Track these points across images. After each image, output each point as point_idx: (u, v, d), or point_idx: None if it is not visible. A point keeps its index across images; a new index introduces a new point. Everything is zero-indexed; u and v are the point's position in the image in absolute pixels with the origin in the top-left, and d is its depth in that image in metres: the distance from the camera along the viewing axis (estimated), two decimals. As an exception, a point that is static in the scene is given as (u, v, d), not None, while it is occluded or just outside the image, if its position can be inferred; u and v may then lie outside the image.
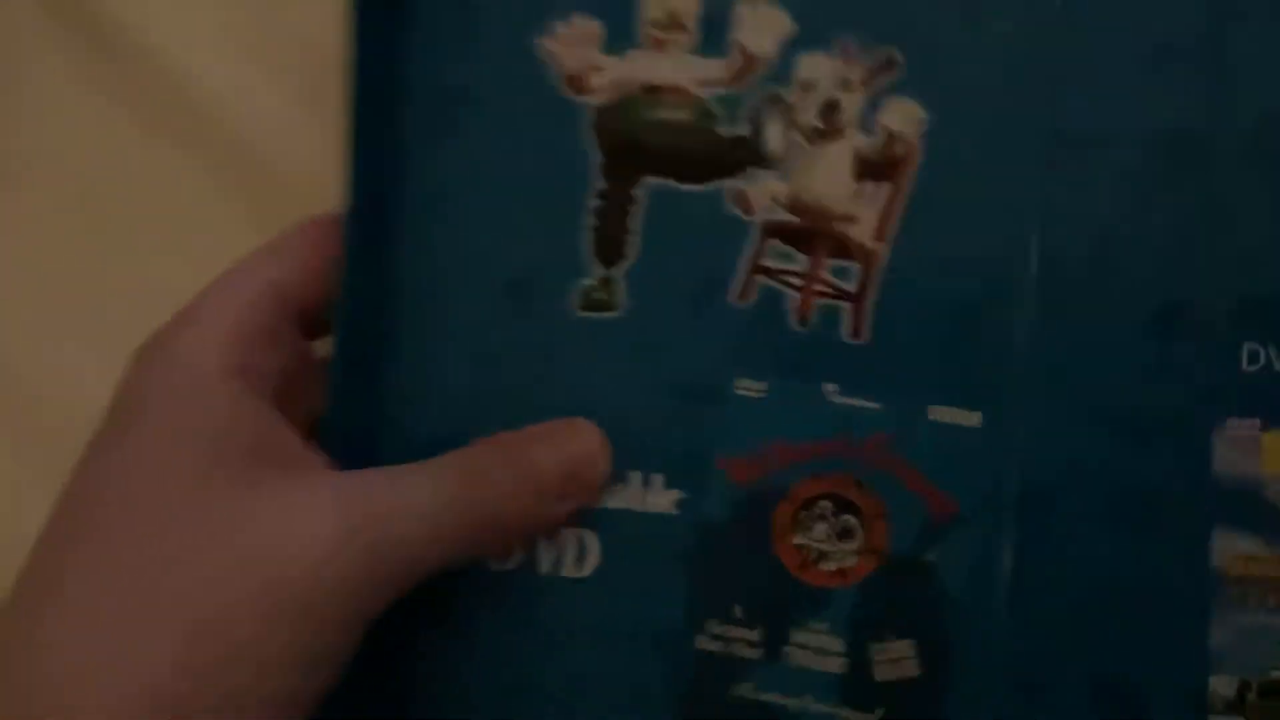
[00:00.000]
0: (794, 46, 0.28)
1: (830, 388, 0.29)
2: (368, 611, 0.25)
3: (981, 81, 0.28)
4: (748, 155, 0.29)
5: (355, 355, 0.29)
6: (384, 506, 0.25)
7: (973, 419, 0.28)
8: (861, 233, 0.28)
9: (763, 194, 0.29)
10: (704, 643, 0.29)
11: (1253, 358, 0.27)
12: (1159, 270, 0.27)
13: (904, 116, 0.28)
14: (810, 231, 0.29)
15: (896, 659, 0.29)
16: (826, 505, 0.29)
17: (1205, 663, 0.27)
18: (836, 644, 0.29)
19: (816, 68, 0.28)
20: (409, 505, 0.25)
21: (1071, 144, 0.28)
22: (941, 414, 0.28)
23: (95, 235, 0.35)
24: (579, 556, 0.29)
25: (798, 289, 0.29)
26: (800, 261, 0.29)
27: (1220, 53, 0.28)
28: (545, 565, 0.29)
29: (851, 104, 0.28)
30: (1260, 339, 0.27)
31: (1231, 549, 0.27)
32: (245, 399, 0.26)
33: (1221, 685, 0.27)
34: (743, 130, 0.29)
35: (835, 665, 0.28)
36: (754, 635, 0.29)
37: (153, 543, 0.23)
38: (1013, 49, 0.28)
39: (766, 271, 0.29)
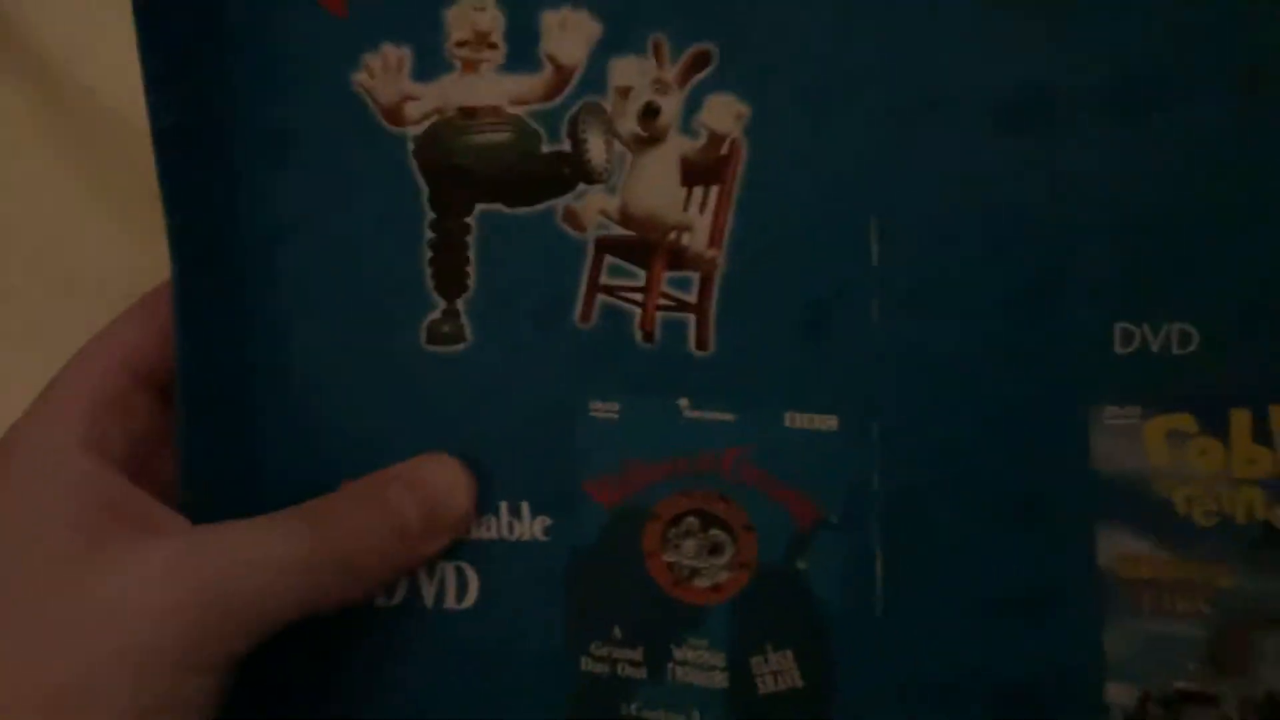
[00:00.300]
0: (604, 50, 0.27)
1: (683, 402, 0.28)
2: (225, 661, 0.26)
3: (802, 65, 0.26)
4: (573, 171, 0.27)
5: (201, 414, 0.29)
6: (233, 560, 0.26)
7: (830, 422, 0.27)
8: (696, 240, 0.27)
9: (592, 210, 0.28)
10: (588, 664, 0.29)
11: (1126, 338, 0.25)
12: (1014, 248, 0.25)
13: (724, 113, 0.26)
14: (645, 244, 0.27)
15: (778, 671, 0.28)
16: (693, 522, 0.28)
17: (1102, 670, 0.26)
18: (717, 659, 0.28)
19: (630, 71, 0.27)
20: (260, 558, 0.26)
21: (904, 119, 0.26)
22: (797, 420, 0.27)
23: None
24: (460, 588, 0.29)
25: (639, 304, 0.28)
26: (639, 276, 0.28)
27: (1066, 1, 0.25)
28: (429, 599, 0.29)
29: (670, 106, 0.27)
30: (1134, 318, 0.25)
31: (1120, 549, 0.25)
32: (98, 470, 0.27)
33: (1120, 694, 0.25)
34: (565, 146, 0.28)
35: (718, 680, 0.28)
36: (636, 655, 0.28)
37: (12, 616, 0.25)
38: (831, 25, 0.26)
39: (606, 289, 0.28)
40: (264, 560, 0.26)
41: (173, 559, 0.25)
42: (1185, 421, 0.24)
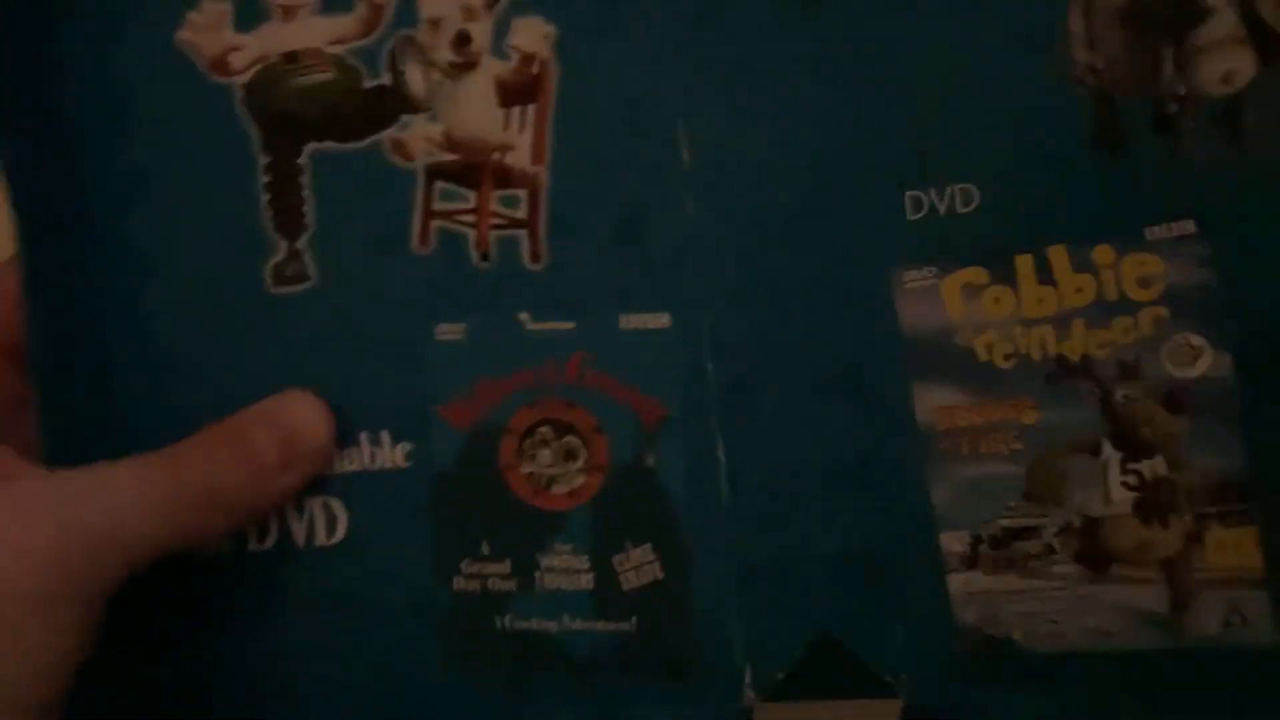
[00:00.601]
0: (413, -19, 0.28)
1: (524, 316, 0.29)
2: (89, 597, 0.26)
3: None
4: (396, 103, 0.28)
5: (57, 377, 0.29)
6: (91, 498, 0.26)
7: (662, 320, 0.28)
8: (519, 158, 0.28)
9: (418, 138, 0.28)
10: (459, 584, 0.29)
11: (916, 205, 0.26)
12: (805, 135, 0.27)
13: (533, 34, 0.27)
14: (471, 167, 0.29)
15: (639, 565, 0.29)
16: (546, 431, 0.29)
17: (933, 522, 0.27)
18: (582, 562, 0.29)
19: (439, 2, 0.28)
20: (117, 496, 0.27)
21: (697, 24, 0.27)
22: (631, 321, 0.28)
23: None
24: (329, 524, 0.30)
25: (473, 225, 0.29)
26: (469, 198, 0.29)
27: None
28: (299, 538, 0.30)
29: (481, 32, 0.28)
30: (920, 184, 0.26)
31: (935, 402, 0.26)
32: None
33: (952, 542, 0.27)
34: (385, 79, 0.28)
35: (584, 582, 0.29)
36: (504, 568, 0.29)
37: None
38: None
39: (440, 215, 0.29)
40: (121, 498, 0.27)
41: (30, 499, 0.26)
42: (977, 274, 0.26)
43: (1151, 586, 0.25)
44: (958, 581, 0.27)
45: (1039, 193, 0.25)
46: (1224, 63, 0.23)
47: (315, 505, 0.30)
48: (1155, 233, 0.24)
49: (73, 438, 0.30)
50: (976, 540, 0.27)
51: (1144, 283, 0.24)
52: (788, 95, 0.27)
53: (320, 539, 0.30)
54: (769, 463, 0.28)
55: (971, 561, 0.27)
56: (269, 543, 0.30)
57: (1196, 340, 0.24)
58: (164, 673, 0.30)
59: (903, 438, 0.27)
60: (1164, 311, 0.24)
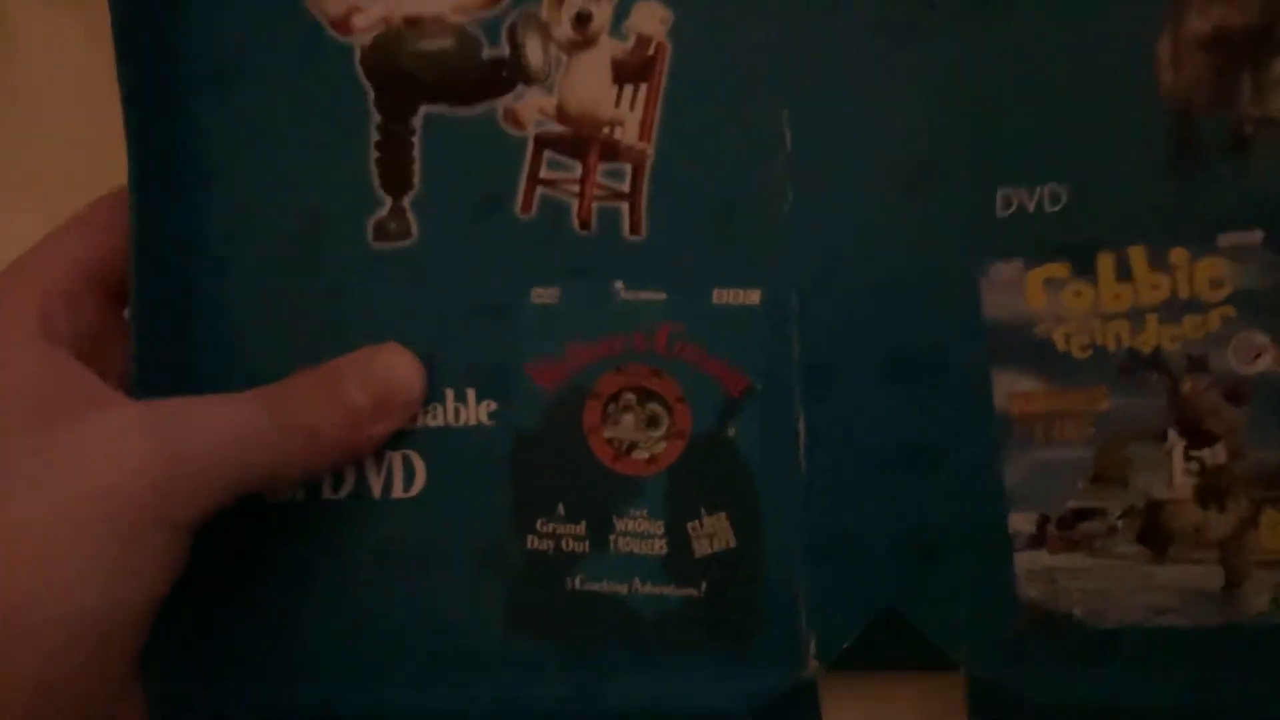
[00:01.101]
0: (542, -39, 0.30)
1: (618, 284, 0.30)
2: (187, 521, 0.26)
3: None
4: (513, 74, 0.30)
5: (155, 315, 0.30)
6: (194, 425, 0.27)
7: (753, 297, 0.30)
8: (628, 134, 0.30)
9: (531, 109, 0.30)
10: (534, 543, 0.30)
11: (1006, 203, 0.29)
12: (904, 133, 0.29)
13: (650, 18, 0.29)
14: (580, 139, 0.30)
15: (712, 533, 0.30)
16: (630, 397, 0.30)
17: (1003, 502, 0.29)
18: (656, 527, 0.30)
19: (564, -20, 0.30)
20: (219, 425, 0.27)
21: (809, 22, 0.29)
22: (724, 296, 0.30)
23: None
24: (407, 477, 0.31)
25: (577, 195, 0.30)
26: (575, 169, 0.30)
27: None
28: (377, 489, 0.31)
29: (602, 13, 0.30)
30: (1012, 183, 0.28)
31: (1012, 389, 0.28)
32: (50, 354, 0.27)
33: (1020, 522, 0.28)
34: (504, 51, 0.30)
35: (658, 547, 0.30)
36: (579, 529, 0.30)
37: None
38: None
39: (545, 182, 0.30)
40: (223, 427, 0.27)
41: (130, 423, 0.26)
42: (1060, 269, 0.28)
43: (1206, 567, 0.27)
44: (1024, 560, 0.28)
45: (1122, 197, 0.27)
46: (1297, 90, 0.26)
47: (395, 458, 0.31)
48: (1227, 239, 0.27)
49: (165, 375, 0.30)
50: (1044, 520, 0.28)
51: (1214, 284, 0.27)
52: (890, 92, 0.29)
53: (397, 491, 0.31)
54: (846, 440, 0.29)
55: (1038, 541, 0.28)
56: (344, 492, 0.31)
57: (1260, 339, 0.27)
58: (232, 615, 0.31)
59: (979, 421, 0.29)
60: (1232, 311, 0.27)
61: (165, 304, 0.30)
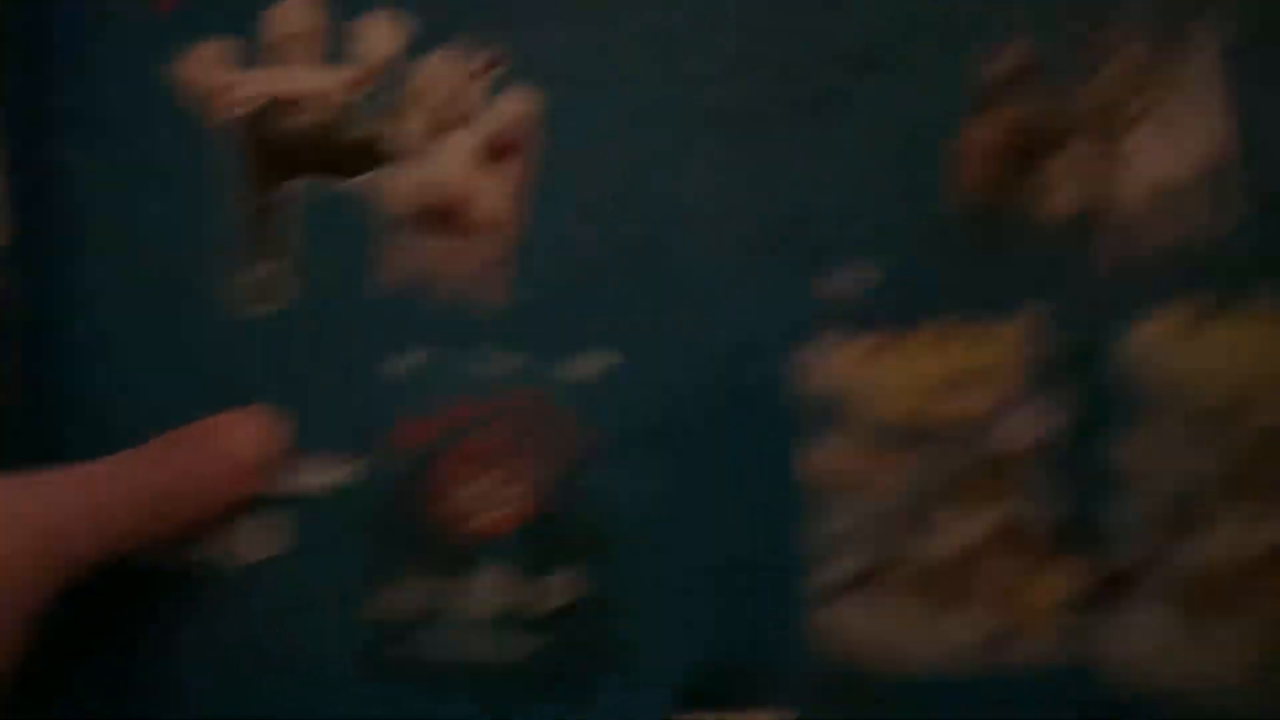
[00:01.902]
0: (414, 44, 0.32)
1: (481, 349, 0.32)
2: (34, 601, 0.26)
3: (588, 65, 0.32)
4: (382, 151, 0.32)
5: (25, 380, 0.30)
6: (37, 499, 0.27)
7: (612, 360, 0.32)
8: (495, 207, 0.32)
9: (400, 184, 0.32)
10: (384, 604, 0.31)
11: (823, 281, 0.31)
12: (739, 209, 0.31)
13: (522, 100, 0.32)
14: (448, 212, 0.32)
15: (562, 589, 0.32)
16: (488, 457, 0.32)
17: (814, 557, 0.31)
18: (507, 586, 0.32)
19: (436, 64, 0.32)
20: (65, 498, 0.27)
21: (666, 104, 0.32)
22: (583, 359, 0.32)
23: None
24: (261, 541, 0.31)
25: (443, 264, 0.32)
26: (442, 240, 0.32)
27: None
28: (230, 553, 0.31)
29: (472, 95, 0.32)
30: (829, 263, 0.31)
31: (828, 452, 0.31)
32: None
33: (829, 574, 0.31)
34: (374, 129, 0.32)
35: (507, 604, 0.31)
36: (430, 589, 0.31)
37: None
38: (612, 41, 0.32)
39: (413, 252, 0.32)
40: (67, 502, 0.27)
41: None
42: (874, 342, 0.31)
43: (997, 618, 0.30)
44: (833, 611, 0.31)
45: (929, 276, 0.31)
46: (1073, 186, 0.30)
47: (250, 521, 0.31)
48: (1014, 316, 0.30)
49: (20, 441, 0.30)
50: (852, 574, 0.31)
51: (1004, 356, 0.30)
52: (727, 174, 0.32)
53: (251, 555, 0.31)
54: (694, 487, 0.32)
55: (845, 593, 0.31)
56: (203, 556, 0.31)
57: (1041, 406, 0.30)
58: (83, 682, 0.30)
59: (793, 480, 0.31)
60: (1018, 380, 0.30)
61: (32, 364, 0.30)
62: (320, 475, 0.32)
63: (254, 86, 0.32)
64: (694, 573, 0.31)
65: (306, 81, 0.32)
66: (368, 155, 0.32)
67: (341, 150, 0.32)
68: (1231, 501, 0.30)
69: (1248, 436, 0.30)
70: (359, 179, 0.32)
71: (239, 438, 0.31)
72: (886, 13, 0.31)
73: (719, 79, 0.32)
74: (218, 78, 0.31)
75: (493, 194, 0.32)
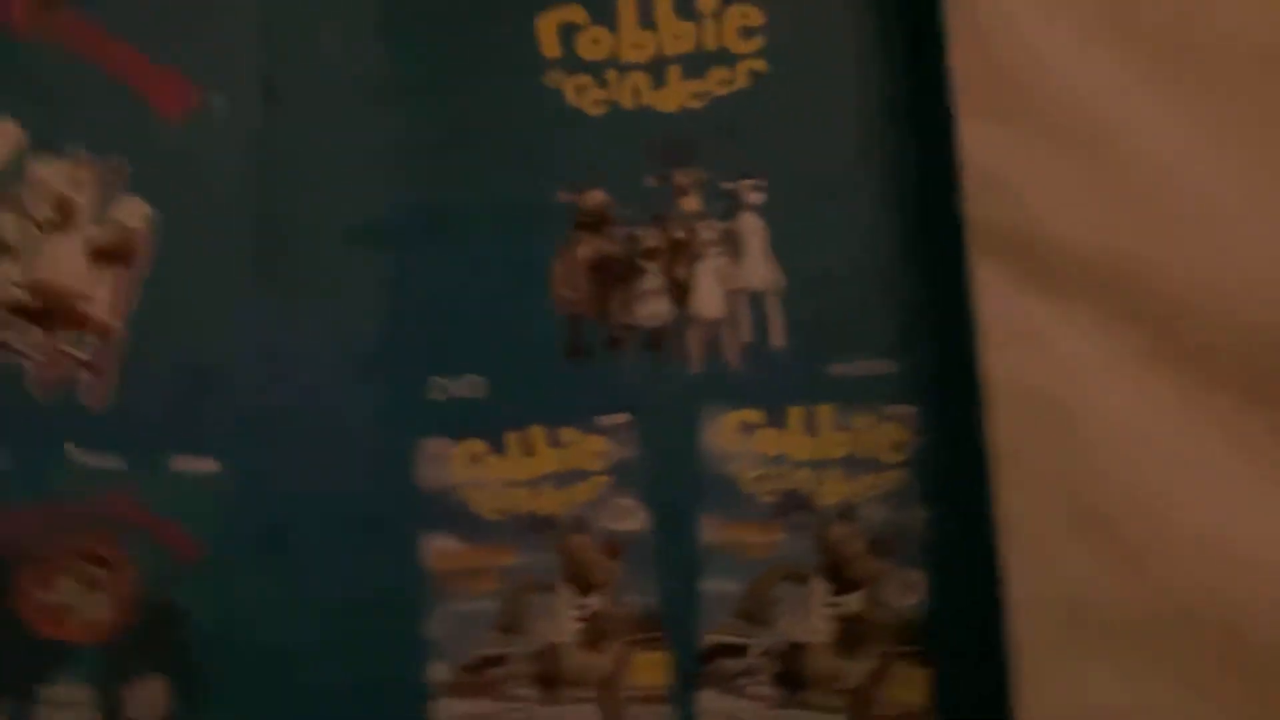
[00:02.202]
0: (30, 150, 0.32)
1: (72, 448, 0.31)
2: None
3: (198, 181, 0.33)
4: (-12, 247, 0.32)
5: None
6: None
7: (211, 466, 0.32)
8: (99, 310, 0.32)
9: (4, 279, 0.32)
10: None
11: (438, 389, 0.33)
12: (352, 323, 0.33)
13: (132, 212, 0.33)
14: (48, 310, 0.32)
15: (148, 699, 0.30)
16: (74, 561, 0.31)
17: (424, 654, 0.31)
18: (87, 694, 0.30)
19: (51, 170, 0.32)
20: None
21: (275, 231, 0.33)
22: (182, 464, 0.32)
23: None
24: None
25: (39, 362, 0.32)
26: (40, 337, 0.32)
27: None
28: None
29: (85, 200, 0.33)
30: (442, 373, 0.33)
31: (438, 549, 0.32)
32: None
33: (439, 671, 0.31)
34: (-17, 224, 0.32)
35: (87, 715, 0.30)
36: (4, 699, 0.29)
37: None
38: (227, 157, 0.33)
39: (8, 348, 0.31)
40: None
41: None
42: (478, 445, 0.32)
43: (586, 706, 0.31)
44: (440, 707, 0.31)
45: (528, 387, 0.33)
46: (652, 305, 0.33)
47: None
48: (604, 421, 0.32)
49: None
50: (460, 668, 0.31)
51: (595, 456, 0.32)
52: (354, 291, 0.33)
53: None
54: (295, 601, 0.31)
55: (454, 688, 0.31)
56: None
57: (628, 502, 0.32)
58: None
59: (410, 579, 0.32)
60: (608, 479, 0.32)
61: None
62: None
63: None
64: (305, 683, 0.31)
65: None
66: (-31, 252, 0.32)
67: (-58, 246, 0.32)
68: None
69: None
70: (-42, 275, 0.32)
71: None
72: (498, 150, 0.34)
73: (321, 194, 0.33)
74: None
75: (99, 297, 0.32)
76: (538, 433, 0.32)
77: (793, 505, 0.32)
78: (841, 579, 0.31)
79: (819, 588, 0.31)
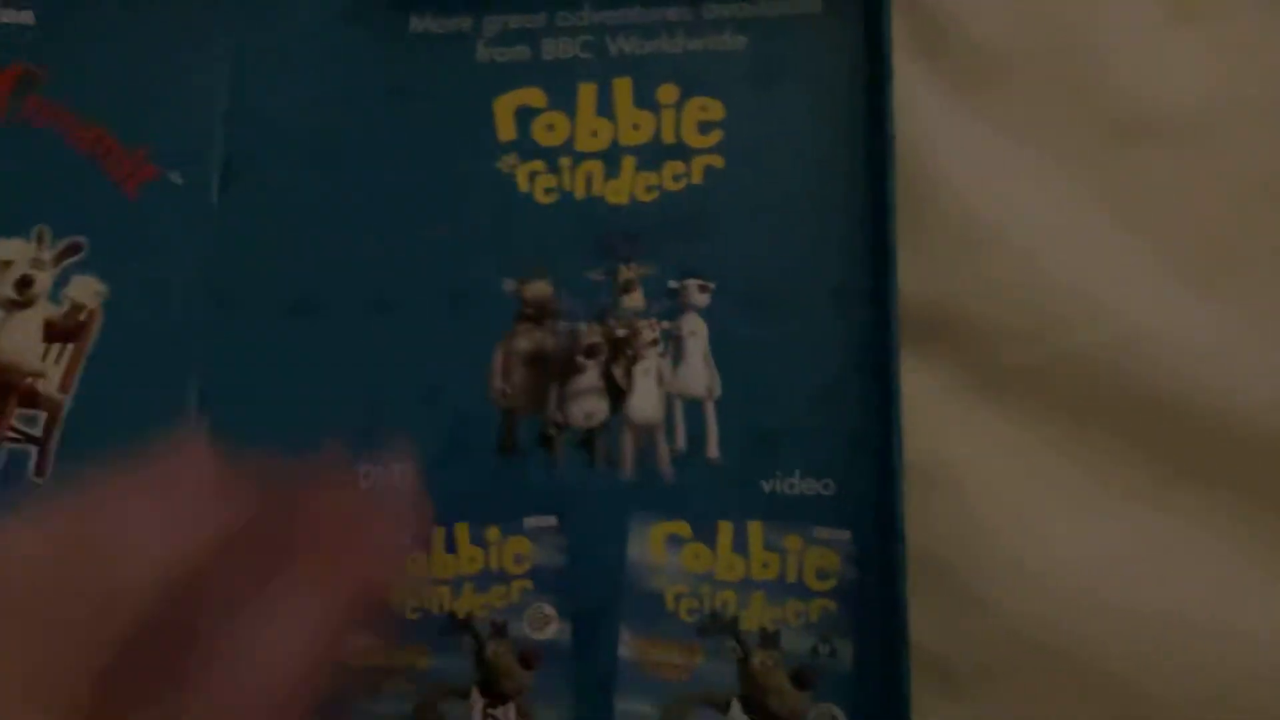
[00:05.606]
0: (-5, 234, 0.34)
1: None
2: None
3: (151, 262, 0.34)
4: (-51, 322, 0.33)
5: None
6: None
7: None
8: (48, 385, 0.33)
9: (-39, 355, 0.33)
10: None
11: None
12: (301, 396, 0.33)
13: (87, 290, 0.33)
14: (5, 388, 0.33)
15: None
16: None
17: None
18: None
19: (13, 250, 0.34)
20: None
21: (219, 308, 0.33)
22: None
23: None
24: None
25: (-9, 438, 0.33)
26: (-7, 412, 0.33)
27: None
28: None
29: (43, 280, 0.33)
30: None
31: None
32: None
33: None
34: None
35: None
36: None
37: None
38: (176, 241, 0.34)
39: (-39, 423, 0.33)
40: None
41: None
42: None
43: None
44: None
45: (455, 482, 0.32)
46: (588, 404, 0.32)
47: None
48: (531, 522, 0.32)
49: None
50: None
51: (518, 560, 0.31)
52: (292, 364, 0.33)
53: None
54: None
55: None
56: None
57: (548, 610, 0.31)
58: None
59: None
60: (529, 584, 0.31)
61: None
62: None
63: None
64: None
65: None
66: (-65, 326, 0.33)
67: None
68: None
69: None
70: (-78, 346, 0.33)
71: None
72: (447, 233, 0.33)
73: (267, 268, 0.34)
74: None
75: (53, 371, 0.33)
76: (461, 529, 0.32)
77: (715, 627, 0.30)
78: (762, 710, 0.30)
79: (738, 718, 0.30)
